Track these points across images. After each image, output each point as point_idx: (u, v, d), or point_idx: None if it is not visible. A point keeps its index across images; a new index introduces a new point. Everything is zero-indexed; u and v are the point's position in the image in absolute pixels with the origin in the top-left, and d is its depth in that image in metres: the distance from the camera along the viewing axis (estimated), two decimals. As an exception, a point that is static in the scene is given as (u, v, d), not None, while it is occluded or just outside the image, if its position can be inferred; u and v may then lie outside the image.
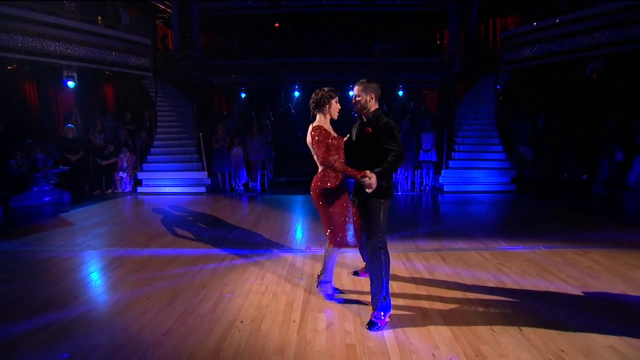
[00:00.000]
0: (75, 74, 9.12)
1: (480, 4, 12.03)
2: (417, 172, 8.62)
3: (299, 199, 7.47)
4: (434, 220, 6.00)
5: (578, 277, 3.18)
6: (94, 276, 3.42)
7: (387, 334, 2.28)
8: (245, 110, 11.52)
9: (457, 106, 10.24)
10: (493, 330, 2.32)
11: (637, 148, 7.72)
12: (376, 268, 2.40)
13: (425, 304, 2.71)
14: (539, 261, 3.63)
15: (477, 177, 8.38)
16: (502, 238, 4.50)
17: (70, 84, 9.12)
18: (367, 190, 2.30)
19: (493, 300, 2.76)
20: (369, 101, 2.56)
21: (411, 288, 2.98)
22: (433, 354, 2.06)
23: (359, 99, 2.55)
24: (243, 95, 13.71)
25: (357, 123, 2.70)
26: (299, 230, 5.08)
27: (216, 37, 15.35)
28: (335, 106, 2.54)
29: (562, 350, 2.10)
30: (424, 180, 8.55)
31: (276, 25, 14.50)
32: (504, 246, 4.18)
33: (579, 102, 9.29)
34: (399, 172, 8.60)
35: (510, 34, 10.20)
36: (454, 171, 8.43)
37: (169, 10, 13.48)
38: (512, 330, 2.32)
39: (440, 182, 8.38)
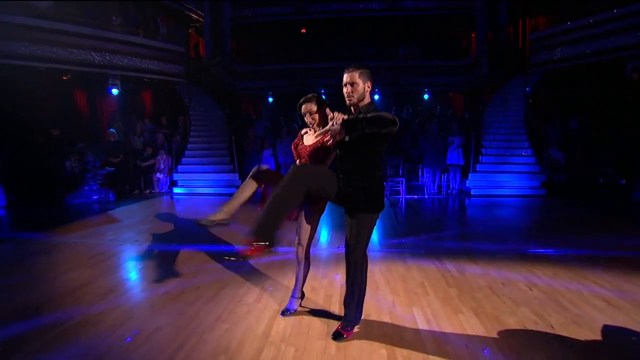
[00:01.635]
0: (118, 82, 9.79)
1: (508, 5, 11.88)
2: (444, 176, 8.64)
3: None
4: (462, 223, 6.05)
5: (613, 282, 3.20)
6: (146, 268, 3.77)
7: (422, 326, 2.45)
8: (274, 114, 11.89)
9: (484, 109, 10.16)
10: (525, 327, 2.43)
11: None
12: (360, 280, 2.30)
13: (456, 300, 2.85)
14: (571, 265, 3.66)
15: (505, 180, 8.31)
16: (532, 241, 4.52)
17: (115, 91, 9.79)
18: (323, 140, 2.19)
19: (524, 299, 2.86)
20: (367, 90, 2.22)
21: (442, 285, 3.12)
22: (466, 345, 2.21)
23: (357, 86, 2.18)
24: (270, 99, 14.12)
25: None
26: (329, 230, 5.29)
27: (245, 44, 15.88)
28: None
29: (594, 344, 2.19)
30: (451, 184, 8.56)
31: (303, 31, 14.85)
32: (535, 249, 4.22)
33: (616, 103, 8.99)
34: (425, 176, 8.66)
35: (541, 35, 10.02)
36: (481, 175, 8.40)
37: (201, 19, 14.12)
38: (545, 326, 2.42)
39: (467, 185, 8.37)
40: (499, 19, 12.16)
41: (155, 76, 10.67)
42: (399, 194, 7.74)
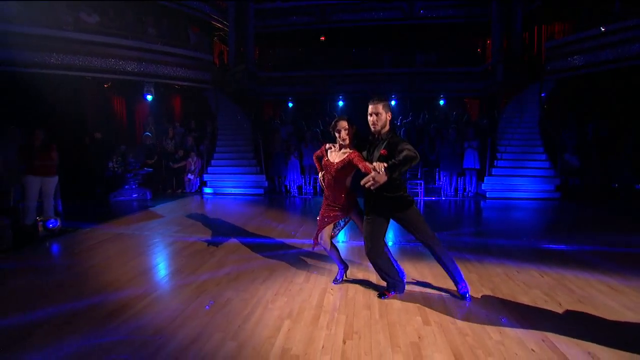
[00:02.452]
0: (152, 89, 10.54)
1: (524, 13, 12.19)
2: (461, 179, 9.03)
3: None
4: (478, 223, 6.46)
5: (620, 272, 3.59)
6: (201, 255, 4.33)
7: (449, 302, 2.92)
8: (295, 119, 12.46)
9: (500, 115, 10.50)
10: (536, 304, 2.88)
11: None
12: (450, 262, 2.88)
13: (476, 283, 3.31)
14: (582, 258, 4.07)
15: (520, 184, 8.65)
16: (545, 238, 4.92)
17: (149, 97, 10.54)
18: (368, 185, 2.32)
19: (536, 283, 3.30)
20: (388, 119, 2.61)
21: (464, 272, 3.58)
22: (487, 315, 2.68)
23: (380, 116, 2.59)
24: (290, 104, 14.72)
25: (369, 143, 2.75)
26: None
27: (267, 51, 16.56)
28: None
29: (593, 318, 2.63)
30: (467, 187, 8.94)
31: (322, 38, 15.44)
32: (546, 245, 4.63)
33: (632, 109, 9.22)
34: (442, 179, 9.07)
35: (557, 44, 10.33)
36: (497, 178, 8.76)
37: (224, 27, 14.86)
38: (553, 304, 2.87)
39: (482, 188, 8.74)
40: (515, 26, 12.46)
41: (185, 83, 11.39)
42: (417, 196, 8.18)
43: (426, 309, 2.79)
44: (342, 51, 15.16)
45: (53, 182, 5.50)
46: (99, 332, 2.52)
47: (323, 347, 2.30)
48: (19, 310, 2.83)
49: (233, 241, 4.89)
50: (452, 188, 9.03)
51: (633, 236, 5.11)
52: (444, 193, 8.88)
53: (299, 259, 4.12)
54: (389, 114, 2.63)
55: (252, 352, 2.25)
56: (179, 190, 9.78)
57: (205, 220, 6.34)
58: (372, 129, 2.65)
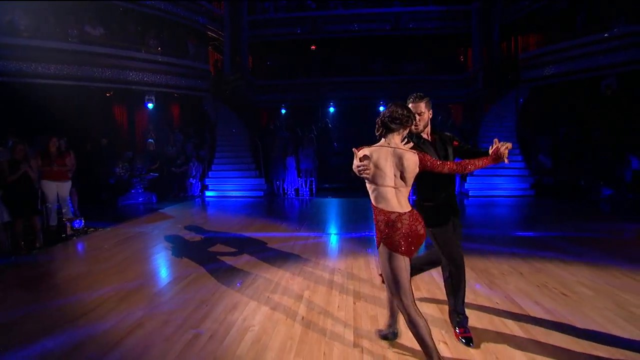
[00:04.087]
0: (153, 97, 11.01)
1: (501, 26, 13.18)
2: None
3: (343, 202, 8.86)
4: (462, 217, 7.19)
5: (576, 252, 4.34)
6: (218, 247, 4.90)
7: (434, 273, 3.60)
8: (290, 125, 13.09)
9: (480, 120, 11.37)
10: (503, 274, 3.59)
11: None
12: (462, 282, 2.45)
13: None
14: (546, 242, 4.83)
15: (499, 183, 9.48)
16: (517, 227, 5.68)
17: (150, 105, 11.00)
18: (505, 160, 2.15)
19: (506, 259, 4.02)
20: (430, 117, 2.37)
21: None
22: (477, 289, 3.36)
23: (423, 115, 2.31)
24: (283, 111, 15.35)
25: (410, 142, 2.21)
26: (354, 220, 6.44)
27: (261, 60, 17.18)
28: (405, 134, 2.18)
29: (545, 282, 3.34)
30: (452, 186, 9.70)
31: (313, 47, 16.17)
32: (518, 232, 5.39)
33: (595, 115, 10.21)
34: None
35: (529, 55, 11.30)
36: (478, 178, 9.57)
37: (220, 38, 15.43)
38: (516, 275, 3.57)
39: (465, 187, 9.53)
40: (493, 37, 13.46)
41: (184, 91, 11.90)
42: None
43: (416, 279, 3.46)
44: (333, 60, 15.89)
45: (67, 186, 5.96)
46: (153, 304, 3.09)
47: (338, 306, 2.94)
48: (85, 290, 3.38)
49: (245, 236, 5.48)
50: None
51: (591, 224, 5.93)
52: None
53: (307, 248, 4.74)
54: (431, 111, 2.39)
55: (283, 312, 2.87)
56: (182, 194, 10.25)
57: (214, 220, 6.90)
58: (415, 129, 2.32)
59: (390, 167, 2.00)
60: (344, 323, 2.68)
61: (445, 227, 2.45)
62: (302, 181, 10.04)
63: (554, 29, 11.74)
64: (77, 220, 5.68)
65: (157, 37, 11.64)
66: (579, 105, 10.81)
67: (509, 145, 2.13)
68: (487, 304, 2.94)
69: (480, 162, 2.18)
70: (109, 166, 9.30)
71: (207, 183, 10.30)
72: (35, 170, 5.08)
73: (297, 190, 10.06)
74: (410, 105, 2.29)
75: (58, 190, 5.77)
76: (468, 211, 7.88)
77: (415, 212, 2.05)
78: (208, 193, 10.17)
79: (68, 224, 5.54)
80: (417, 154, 2.04)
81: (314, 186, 10.10)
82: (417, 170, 2.02)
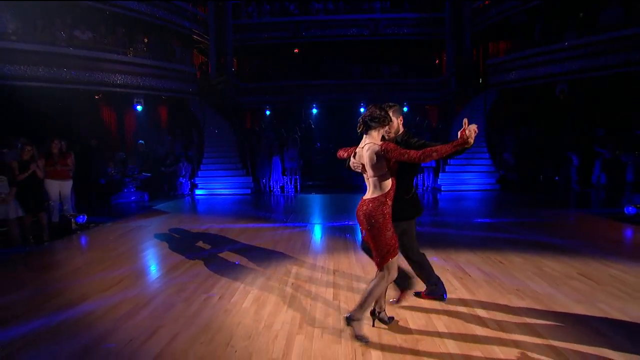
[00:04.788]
0: (142, 100, 11.37)
1: (471, 33, 14.19)
2: (420, 176, 10.63)
3: (325, 197, 9.54)
4: (436, 208, 8.03)
5: (523, 233, 5.18)
6: (215, 237, 5.48)
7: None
8: (275, 126, 13.67)
9: (453, 120, 12.30)
10: (457, 251, 4.36)
11: (596, 155, 9.63)
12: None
13: (427, 244, 4.75)
14: (501, 227, 5.67)
15: (468, 179, 10.39)
16: (478, 216, 6.51)
17: (139, 107, 11.36)
18: (472, 142, 2.15)
19: (465, 241, 4.80)
20: (400, 123, 2.57)
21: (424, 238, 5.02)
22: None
23: (392, 124, 2.49)
24: (268, 112, 15.90)
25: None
26: (335, 212, 7.14)
27: (246, 63, 17.65)
28: (383, 132, 2.43)
29: (489, 255, 4.12)
30: (426, 182, 10.57)
31: (296, 51, 16.80)
32: (479, 219, 6.22)
33: (551, 117, 11.30)
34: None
35: (495, 62, 12.32)
36: (450, 174, 10.46)
37: (204, 40, 15.82)
38: (469, 251, 4.35)
39: (438, 183, 10.40)
40: (464, 44, 14.47)
41: (171, 94, 12.30)
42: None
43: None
44: (314, 63, 16.55)
45: (69, 184, 6.39)
46: (168, 277, 3.68)
47: (320, 276, 3.62)
48: (104, 271, 3.92)
49: (237, 227, 6.07)
50: (414, 183, 10.61)
51: (539, 211, 6.85)
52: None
53: (293, 235, 5.40)
54: (400, 118, 2.59)
55: (276, 281, 3.51)
56: (172, 193, 10.67)
57: (206, 214, 7.45)
58: (387, 137, 2.55)
59: (365, 161, 2.34)
60: (325, 286, 3.35)
61: (413, 222, 2.79)
62: (287, 179, 10.66)
63: (518, 38, 12.81)
64: (81, 216, 6.12)
65: (145, 40, 12.00)
66: (538, 108, 11.89)
67: (475, 126, 2.18)
68: (440, 272, 3.67)
69: (444, 148, 2.21)
70: (99, 166, 9.64)
71: (196, 182, 10.77)
72: (42, 170, 5.51)
73: (282, 188, 10.67)
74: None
75: (60, 188, 6.19)
76: (440, 204, 8.71)
77: (365, 200, 2.36)
78: (198, 191, 10.64)
79: (72, 219, 5.97)
80: (380, 145, 2.27)
81: (298, 183, 10.74)
82: (374, 159, 2.26)
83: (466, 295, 3.09)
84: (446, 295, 2.98)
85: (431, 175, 10.54)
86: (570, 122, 10.79)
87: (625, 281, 3.33)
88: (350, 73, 15.76)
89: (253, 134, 12.60)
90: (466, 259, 4.07)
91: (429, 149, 2.25)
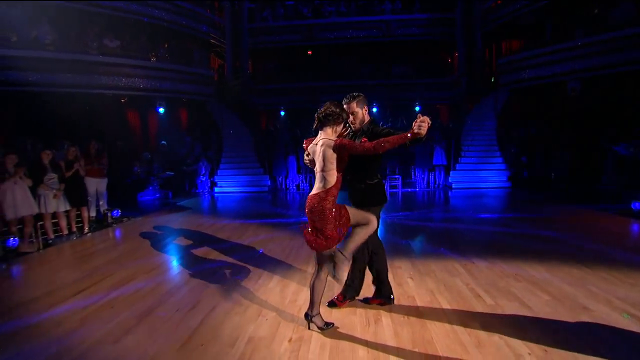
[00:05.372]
0: (164, 102, 12.00)
1: (483, 33, 14.32)
2: (431, 174, 10.91)
3: (340, 193, 9.90)
4: (447, 205, 8.32)
5: (526, 226, 5.46)
6: (237, 230, 5.94)
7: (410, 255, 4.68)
8: (291, 126, 14.13)
9: (464, 120, 12.50)
10: (479, 244, 4.69)
11: (608, 152, 9.70)
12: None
13: (436, 236, 5.10)
14: (504, 222, 5.95)
15: (480, 177, 10.60)
16: (488, 211, 6.80)
17: (161, 110, 11.99)
18: (422, 132, 2.20)
19: (470, 236, 5.12)
20: (365, 113, 2.64)
21: (442, 231, 5.37)
22: (434, 250, 4.45)
23: (357, 114, 2.59)
24: (282, 113, 16.38)
25: (347, 136, 2.65)
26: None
27: (261, 64, 18.18)
28: (339, 128, 2.50)
29: (490, 243, 4.44)
30: (437, 180, 10.83)
31: (309, 53, 17.24)
32: (489, 214, 6.51)
33: (562, 115, 11.39)
34: (416, 173, 10.93)
35: (506, 61, 12.46)
36: (461, 172, 10.69)
37: (221, 45, 16.41)
38: (475, 245, 4.67)
39: (449, 181, 10.65)
40: (476, 43, 14.60)
41: (190, 96, 12.89)
42: (397, 188, 10.00)
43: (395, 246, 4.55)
44: (326, 65, 16.95)
45: (104, 182, 6.98)
46: (200, 264, 4.14)
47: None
48: (141, 258, 4.43)
49: (256, 222, 6.52)
50: (425, 181, 10.91)
51: (546, 207, 7.07)
52: (418, 185, 10.74)
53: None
54: (365, 108, 2.67)
55: (299, 264, 3.93)
56: (193, 191, 11.25)
57: (226, 211, 7.94)
58: (352, 128, 2.68)
59: (316, 156, 2.46)
60: (342, 271, 3.76)
61: (379, 208, 2.77)
62: (302, 177, 11.09)
63: (529, 37, 12.90)
64: (115, 211, 6.69)
65: (165, 46, 12.62)
66: (550, 106, 11.98)
67: (426, 118, 2.23)
68: (445, 260, 4.04)
69: (395, 139, 2.27)
70: (125, 166, 10.28)
71: (215, 180, 11.31)
72: (83, 169, 6.08)
73: (297, 186, 11.11)
74: (344, 106, 2.58)
75: (97, 186, 6.78)
76: (452, 201, 8.96)
77: (310, 195, 2.53)
78: (217, 189, 11.18)
79: (108, 213, 6.55)
80: (335, 141, 2.35)
81: (313, 181, 11.12)
82: (327, 155, 2.35)
83: (469, 280, 3.44)
84: (393, 297, 2.90)
85: (442, 173, 10.79)
86: (582, 120, 10.85)
87: (619, 269, 3.61)
88: (362, 74, 16.08)
89: (269, 134, 13.09)
90: (471, 249, 4.40)
91: (382, 139, 2.30)
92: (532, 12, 11.65)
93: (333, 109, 2.42)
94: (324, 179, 2.45)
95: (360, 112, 2.66)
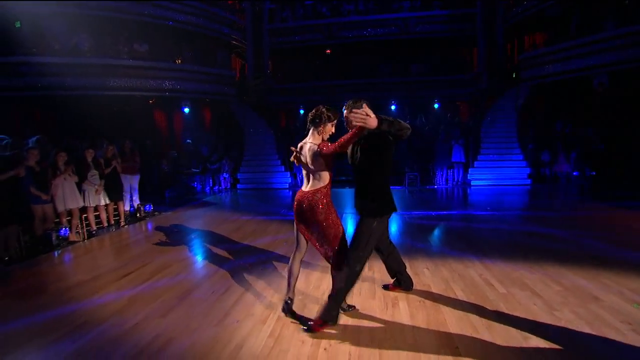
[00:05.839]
0: (189, 103, 12.53)
1: (504, 28, 14.11)
2: (450, 171, 10.93)
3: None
4: (464, 200, 8.39)
5: (554, 224, 5.53)
6: (262, 224, 6.26)
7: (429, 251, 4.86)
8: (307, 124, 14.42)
9: (483, 117, 12.41)
10: (494, 239, 4.82)
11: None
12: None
13: (454, 229, 5.25)
14: (512, 220, 6.01)
15: (499, 174, 10.54)
16: (505, 207, 6.86)
17: (186, 110, 12.53)
18: (358, 122, 2.18)
19: (497, 232, 5.24)
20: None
21: (460, 225, 5.53)
22: (449, 241, 4.61)
23: (348, 120, 2.51)
24: (302, 111, 16.67)
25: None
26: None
27: (280, 64, 18.55)
28: (329, 128, 2.57)
29: (505, 240, 4.56)
30: (455, 177, 10.85)
31: (328, 51, 17.44)
32: (504, 211, 6.58)
33: (587, 110, 11.12)
34: (436, 171, 10.98)
35: (528, 56, 12.25)
36: (479, 169, 10.67)
37: (242, 45, 16.85)
38: (492, 235, 4.80)
39: (468, 178, 10.64)
40: (497, 38, 14.39)
41: (213, 96, 13.38)
42: (415, 185, 10.12)
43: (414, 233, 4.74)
44: (345, 63, 17.12)
45: (137, 179, 7.46)
46: (229, 253, 4.48)
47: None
48: (177, 248, 4.81)
49: (278, 218, 6.83)
50: (444, 178, 10.94)
51: (567, 205, 7.04)
52: (437, 182, 10.81)
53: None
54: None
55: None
56: (217, 187, 11.73)
57: (249, 206, 8.31)
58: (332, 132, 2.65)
59: (307, 159, 2.58)
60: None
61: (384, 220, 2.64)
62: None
63: (553, 31, 12.62)
64: (147, 205, 7.17)
65: (190, 48, 13.15)
66: (573, 102, 11.71)
67: (358, 111, 2.20)
68: (456, 251, 4.21)
69: (346, 136, 2.33)
70: (153, 164, 10.84)
71: (238, 177, 11.75)
72: (120, 166, 6.57)
73: (317, 182, 11.37)
74: (344, 110, 2.61)
75: (131, 182, 7.26)
76: (470, 197, 9.01)
77: (307, 192, 2.58)
78: (240, 186, 11.61)
79: (141, 208, 7.03)
80: (318, 145, 2.48)
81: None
82: (314, 158, 2.50)
83: (483, 271, 3.61)
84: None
85: (461, 171, 10.80)
86: (609, 116, 10.57)
87: (637, 264, 3.68)
88: (380, 72, 16.16)
89: (288, 133, 13.42)
90: (486, 243, 4.55)
91: (341, 138, 2.37)
92: (559, 4, 11.36)
93: (320, 112, 2.53)
94: (319, 177, 2.57)
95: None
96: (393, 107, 15.08)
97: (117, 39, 11.03)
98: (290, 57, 17.89)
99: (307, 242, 2.77)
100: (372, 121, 2.17)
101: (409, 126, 2.39)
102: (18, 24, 9.93)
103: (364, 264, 2.56)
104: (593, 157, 10.27)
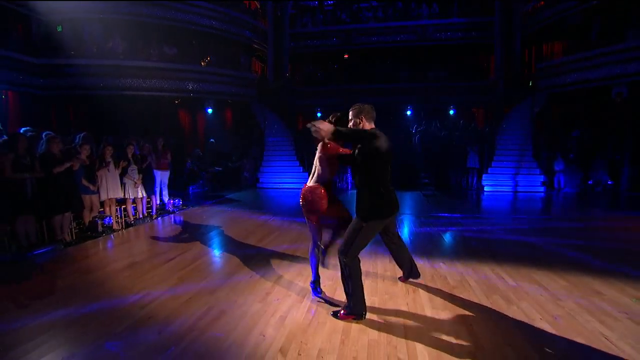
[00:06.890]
0: (212, 103, 13.08)
1: (522, 36, 14.26)
2: (464, 176, 11.18)
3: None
4: (477, 204, 8.65)
5: (567, 234, 5.79)
6: (282, 225, 6.68)
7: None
8: (326, 127, 14.82)
9: (499, 124, 12.59)
10: (494, 235, 5.13)
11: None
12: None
13: (464, 229, 5.57)
14: (519, 227, 6.27)
15: (513, 181, 10.74)
16: (513, 211, 7.11)
17: (209, 110, 13.08)
18: (313, 132, 2.53)
19: (509, 232, 5.54)
20: (359, 123, 2.77)
21: (470, 228, 5.84)
22: (456, 237, 4.93)
23: (351, 123, 2.79)
24: (319, 114, 17.08)
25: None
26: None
27: (300, 67, 19.06)
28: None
29: (527, 246, 4.85)
30: (470, 182, 11.09)
31: (345, 56, 17.86)
32: (513, 215, 6.83)
33: (605, 120, 11.21)
34: (450, 176, 11.23)
35: (546, 65, 12.39)
36: (493, 175, 10.88)
37: (263, 49, 17.42)
38: (499, 233, 5.11)
39: (482, 183, 10.87)
40: (514, 46, 14.56)
41: (235, 98, 13.92)
42: (430, 189, 10.39)
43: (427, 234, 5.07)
44: (364, 68, 17.49)
45: (167, 174, 7.97)
46: (260, 245, 4.91)
47: (377, 245, 4.63)
48: (210, 238, 5.27)
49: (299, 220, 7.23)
50: (458, 183, 11.19)
51: (582, 214, 7.24)
52: (451, 187, 11.06)
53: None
54: (361, 117, 2.80)
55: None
56: (238, 185, 12.23)
57: (270, 203, 8.75)
58: None
59: (316, 159, 3.08)
60: (384, 251, 4.36)
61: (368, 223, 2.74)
62: (338, 176, 11.73)
63: (572, 40, 12.72)
64: (177, 200, 7.68)
65: (214, 51, 13.74)
66: (590, 111, 11.80)
67: (309, 124, 2.59)
68: (470, 250, 4.53)
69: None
70: (178, 161, 11.40)
71: (258, 176, 12.24)
72: (155, 162, 7.09)
73: (335, 183, 11.76)
74: (350, 113, 2.89)
75: (162, 177, 7.77)
76: (483, 202, 9.25)
77: (310, 186, 3.06)
78: (260, 185, 12.09)
79: (171, 201, 7.54)
80: (320, 150, 2.97)
81: (349, 180, 11.77)
82: (319, 155, 2.99)
83: (495, 266, 3.93)
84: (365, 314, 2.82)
85: (475, 176, 11.03)
86: (627, 127, 10.62)
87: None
88: (397, 77, 16.47)
89: (305, 134, 13.87)
90: (500, 244, 4.85)
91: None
92: (580, 13, 11.46)
93: (338, 117, 2.97)
94: (317, 175, 3.04)
95: (354, 121, 2.83)
96: (409, 112, 15.35)
97: (148, 43, 11.66)
98: (309, 61, 18.38)
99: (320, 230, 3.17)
100: (323, 133, 2.56)
101: (369, 136, 2.62)
102: (59, 28, 10.66)
103: (353, 257, 2.74)
104: (610, 167, 10.41)
